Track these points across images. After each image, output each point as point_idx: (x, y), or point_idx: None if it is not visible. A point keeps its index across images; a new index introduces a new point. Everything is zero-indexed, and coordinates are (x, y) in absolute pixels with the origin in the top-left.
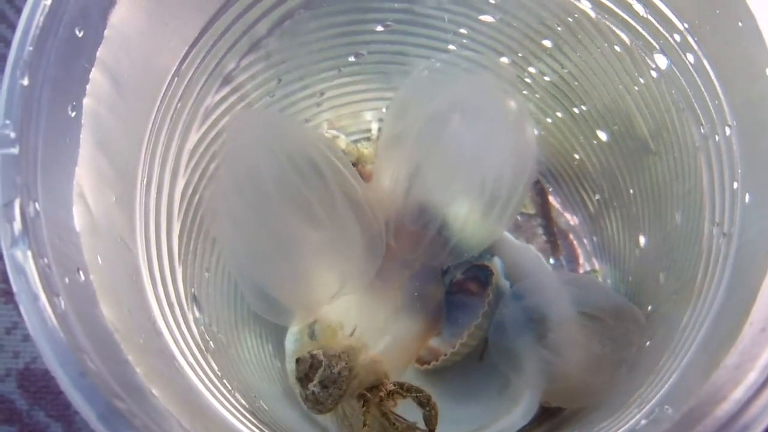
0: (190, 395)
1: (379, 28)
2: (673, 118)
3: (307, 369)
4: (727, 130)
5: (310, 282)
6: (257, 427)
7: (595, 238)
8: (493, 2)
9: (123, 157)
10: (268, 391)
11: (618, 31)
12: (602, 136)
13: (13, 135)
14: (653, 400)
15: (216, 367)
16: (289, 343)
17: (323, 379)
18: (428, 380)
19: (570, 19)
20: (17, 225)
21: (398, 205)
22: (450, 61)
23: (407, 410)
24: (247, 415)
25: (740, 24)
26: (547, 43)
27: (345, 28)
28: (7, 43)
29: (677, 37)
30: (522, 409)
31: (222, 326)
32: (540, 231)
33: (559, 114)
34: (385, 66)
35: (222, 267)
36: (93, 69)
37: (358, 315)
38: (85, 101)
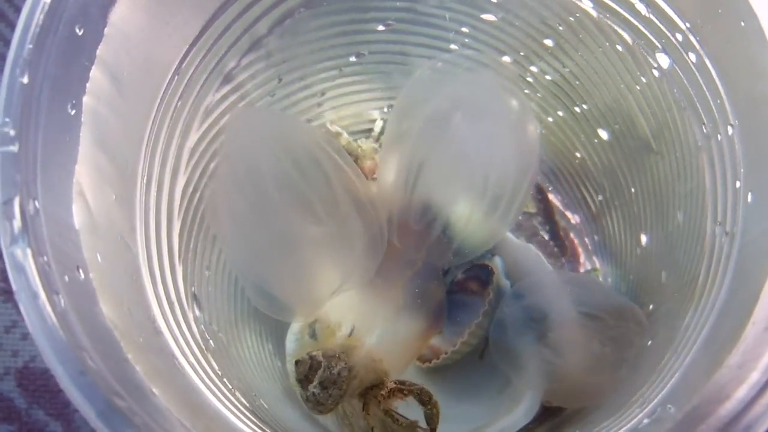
0: (190, 394)
1: (381, 28)
2: (675, 117)
3: (307, 370)
4: (730, 130)
5: (310, 278)
6: (257, 426)
7: (596, 237)
8: (495, 1)
9: (123, 156)
10: (269, 390)
11: (620, 31)
12: (604, 135)
13: (12, 133)
14: (655, 400)
15: (216, 366)
16: (290, 342)
17: (323, 380)
18: (429, 378)
19: (571, 18)
20: (17, 223)
21: (401, 202)
22: (452, 61)
23: (409, 409)
24: (248, 414)
25: (742, 23)
26: (548, 42)
27: (346, 27)
28: (7, 42)
29: (679, 37)
30: (523, 408)
31: (222, 325)
32: (540, 230)
33: (560, 113)
34: (386, 66)
35: (222, 265)
36: (93, 67)
37: (359, 314)
38: (85, 99)
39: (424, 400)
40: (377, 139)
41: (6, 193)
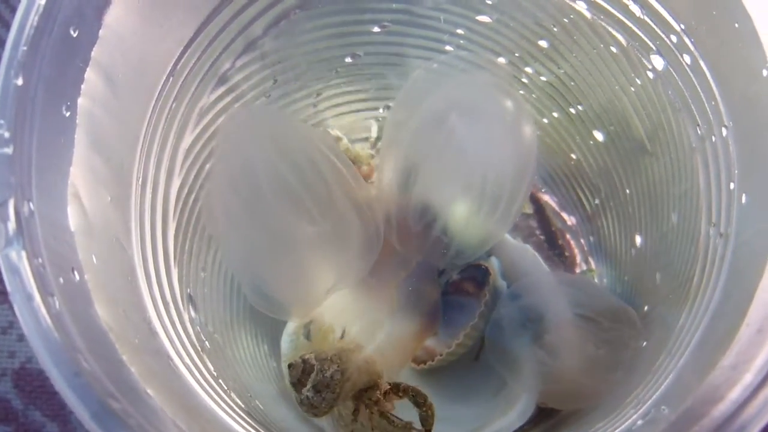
0: (185, 395)
1: (376, 29)
2: (670, 118)
3: (300, 374)
4: (724, 131)
5: (305, 277)
6: (253, 427)
7: (591, 238)
8: (490, 3)
9: (118, 157)
10: (264, 391)
11: (614, 32)
12: (599, 136)
13: (7, 135)
14: (650, 401)
15: (212, 367)
16: (285, 343)
17: (316, 384)
18: (424, 380)
19: (566, 19)
20: (11, 225)
21: (400, 203)
22: (448, 62)
23: (403, 410)
24: (243, 415)
25: (737, 25)
26: (543, 43)
27: (341, 28)
28: (1, 43)
29: (674, 38)
30: (518, 409)
31: (218, 326)
32: (537, 231)
33: (555, 114)
34: (381, 67)
35: (218, 267)
36: (88, 69)
37: (353, 315)
38: (80, 101)
39: (419, 401)
40: (374, 144)
41: (0, 194)
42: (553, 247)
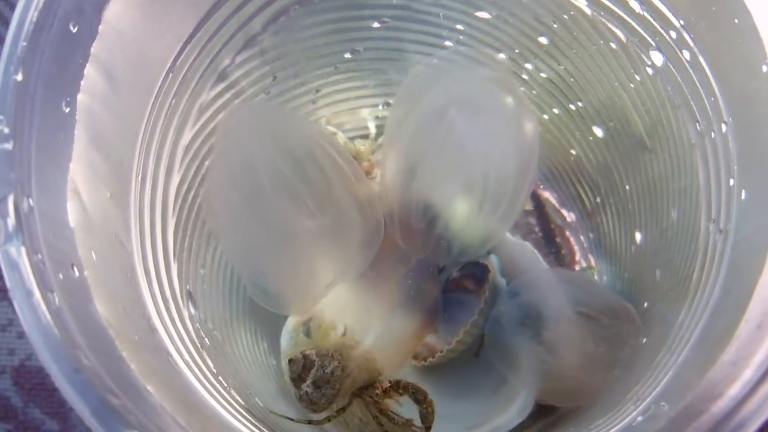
0: (185, 392)
1: (376, 25)
2: (669, 115)
3: (300, 369)
4: (723, 127)
5: (304, 271)
6: (252, 424)
7: (591, 235)
8: None
9: (117, 154)
10: (264, 388)
11: (614, 28)
12: (598, 132)
13: (6, 131)
14: (649, 397)
15: (211, 364)
16: (285, 340)
17: (316, 380)
18: (424, 377)
19: (566, 16)
20: (11, 221)
21: (402, 200)
22: (448, 58)
23: (404, 407)
24: (243, 411)
25: (736, 21)
26: (543, 39)
27: (341, 24)
28: (1, 39)
29: (673, 34)
30: (518, 406)
31: (217, 323)
32: (536, 228)
33: (555, 110)
34: (381, 62)
35: (217, 263)
36: (87, 65)
37: (353, 312)
38: (80, 97)
39: (419, 398)
40: (374, 140)
41: (0, 190)
42: (549, 245)
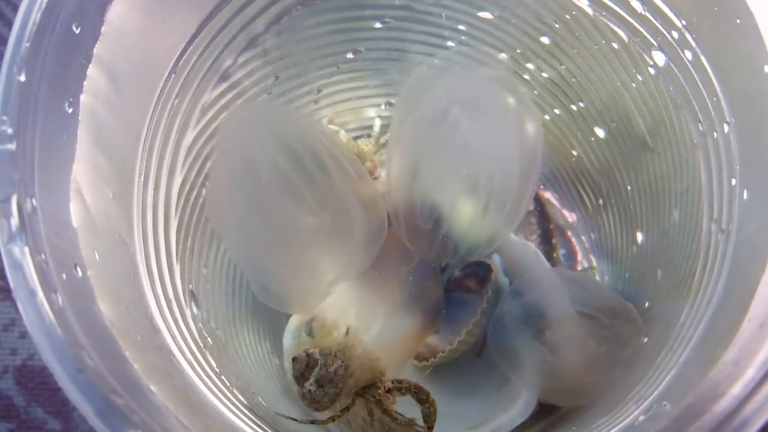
0: (188, 392)
1: (378, 25)
2: (671, 115)
3: (303, 368)
4: (726, 127)
5: (306, 268)
6: (255, 424)
7: (592, 235)
8: None
9: (120, 154)
10: (267, 388)
11: (616, 28)
12: (600, 133)
13: (10, 131)
14: (651, 397)
15: (214, 364)
16: (287, 340)
17: (319, 378)
18: (426, 377)
19: (568, 16)
20: (14, 221)
21: (406, 201)
22: (450, 58)
23: (406, 407)
24: (246, 411)
25: (738, 21)
26: (545, 39)
27: (343, 24)
28: (4, 40)
29: (675, 34)
30: (520, 405)
31: (220, 323)
32: (537, 228)
33: (557, 111)
34: (383, 63)
35: (220, 263)
36: (90, 65)
37: (356, 312)
38: (82, 98)
39: (422, 398)
40: (377, 140)
41: (3, 191)
42: (545, 245)
